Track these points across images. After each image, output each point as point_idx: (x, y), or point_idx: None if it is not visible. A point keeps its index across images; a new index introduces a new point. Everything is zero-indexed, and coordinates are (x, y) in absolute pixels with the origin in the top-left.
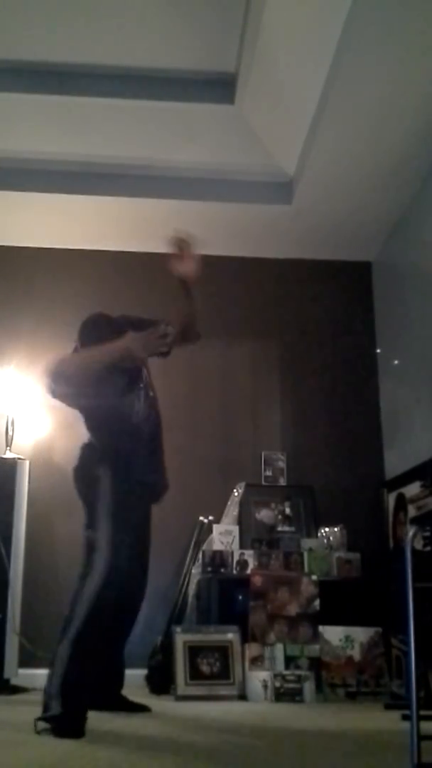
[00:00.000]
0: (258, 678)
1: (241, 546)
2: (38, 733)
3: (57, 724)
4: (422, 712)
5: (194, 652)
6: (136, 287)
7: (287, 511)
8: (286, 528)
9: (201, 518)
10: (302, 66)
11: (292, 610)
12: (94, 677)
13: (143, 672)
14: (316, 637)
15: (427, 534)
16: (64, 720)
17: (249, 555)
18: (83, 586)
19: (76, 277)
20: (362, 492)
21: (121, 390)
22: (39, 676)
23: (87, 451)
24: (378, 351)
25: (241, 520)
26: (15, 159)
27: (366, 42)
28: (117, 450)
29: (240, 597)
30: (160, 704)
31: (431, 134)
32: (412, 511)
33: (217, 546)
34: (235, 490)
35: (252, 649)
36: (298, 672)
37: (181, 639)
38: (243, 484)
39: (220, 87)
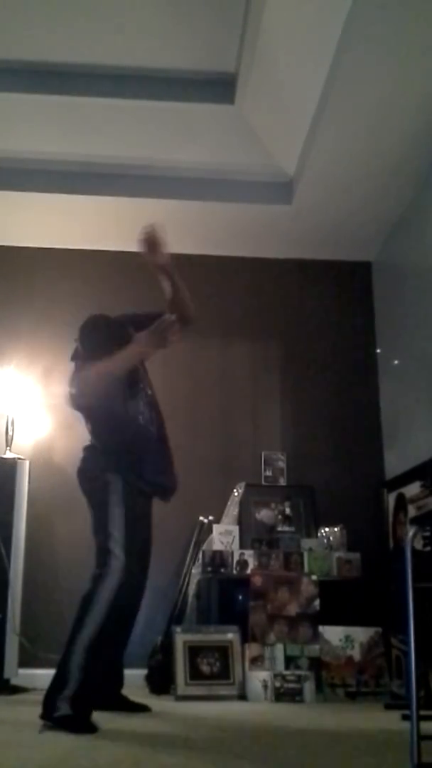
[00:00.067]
0: (258, 678)
1: (241, 546)
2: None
3: (70, 723)
4: (422, 712)
5: (194, 652)
6: (136, 287)
7: (287, 511)
8: (286, 528)
9: (201, 518)
10: (302, 66)
11: (292, 610)
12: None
13: (143, 672)
14: (316, 637)
15: (427, 534)
16: (77, 719)
17: (249, 555)
18: (97, 591)
19: (76, 277)
20: (362, 492)
21: (128, 392)
22: (39, 676)
23: (93, 454)
24: (378, 351)
25: (241, 520)
26: (15, 159)
27: (366, 42)
28: (127, 455)
29: (240, 597)
30: (160, 704)
31: (431, 134)
32: (412, 511)
33: (217, 546)
34: (235, 490)
35: (252, 649)
36: (298, 672)
37: (181, 639)
38: (243, 484)
39: (220, 87)
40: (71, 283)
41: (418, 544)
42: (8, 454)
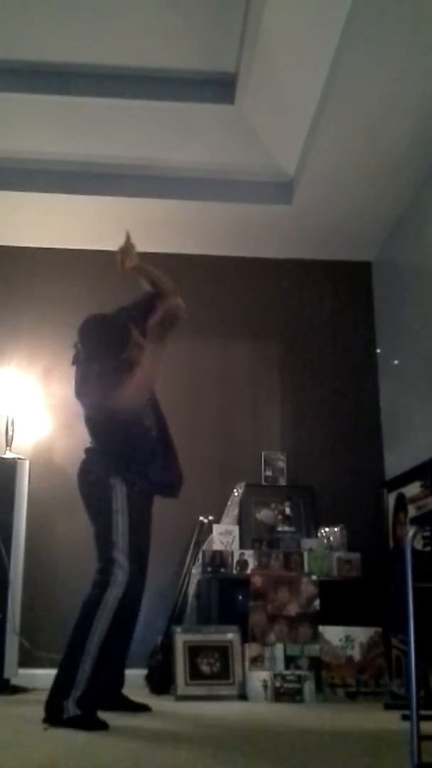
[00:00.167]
0: (258, 678)
1: (241, 546)
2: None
3: (81, 723)
4: (422, 712)
5: (194, 652)
6: (136, 287)
7: (287, 511)
8: (286, 528)
9: (201, 518)
10: (302, 66)
11: (292, 610)
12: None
13: (143, 672)
14: (316, 637)
15: (427, 534)
16: (86, 718)
17: (249, 555)
18: (103, 599)
19: (76, 277)
20: (362, 492)
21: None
22: (39, 676)
23: (94, 456)
24: (378, 351)
25: (241, 520)
26: (15, 159)
27: (366, 42)
28: (131, 458)
29: (240, 597)
30: (160, 704)
31: (431, 134)
32: (412, 511)
33: (217, 546)
34: (235, 490)
35: (252, 649)
36: (298, 672)
37: (181, 639)
38: (243, 484)
39: (220, 87)
40: (71, 283)
41: (418, 544)
42: (8, 454)
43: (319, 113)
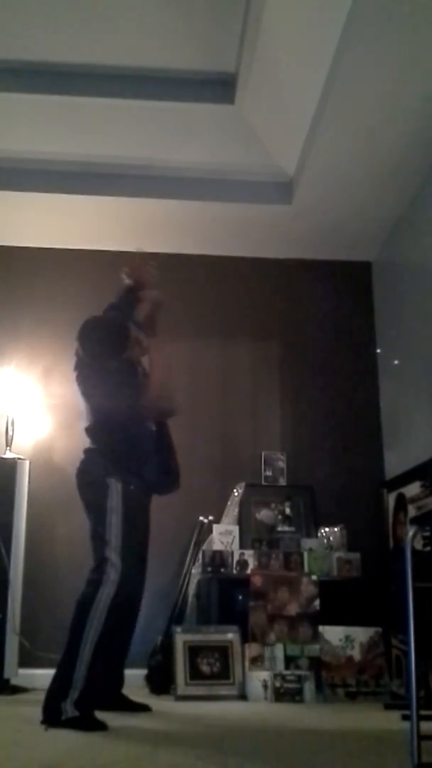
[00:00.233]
0: (258, 678)
1: (241, 546)
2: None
3: (79, 724)
4: (422, 712)
5: (194, 652)
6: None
7: (287, 511)
8: (286, 528)
9: (201, 518)
10: (302, 66)
11: (292, 610)
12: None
13: (143, 672)
14: (316, 637)
15: (427, 534)
16: (84, 719)
17: (249, 555)
18: (95, 598)
19: (76, 277)
20: (362, 492)
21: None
22: (39, 676)
23: (93, 457)
24: (378, 351)
25: (241, 520)
26: (15, 159)
27: (366, 42)
28: (129, 457)
29: (240, 597)
30: (160, 704)
31: (431, 134)
32: (412, 511)
33: (217, 546)
34: (235, 490)
35: (252, 649)
36: (298, 672)
37: (181, 639)
38: (243, 484)
39: (220, 87)
40: (71, 283)
41: (418, 544)
42: (8, 454)
43: (319, 113)
